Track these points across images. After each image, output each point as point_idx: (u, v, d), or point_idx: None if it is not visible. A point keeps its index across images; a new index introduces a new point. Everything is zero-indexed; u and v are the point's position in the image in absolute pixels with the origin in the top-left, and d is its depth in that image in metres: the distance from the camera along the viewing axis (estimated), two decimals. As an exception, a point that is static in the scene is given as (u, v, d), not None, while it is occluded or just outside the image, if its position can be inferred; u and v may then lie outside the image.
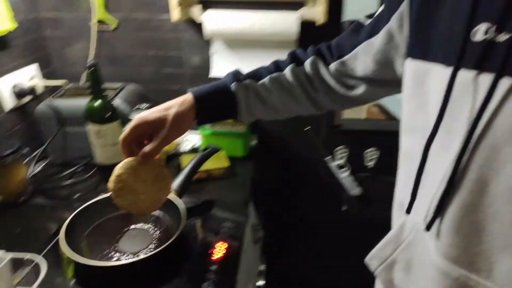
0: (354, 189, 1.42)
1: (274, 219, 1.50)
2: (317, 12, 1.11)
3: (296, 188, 1.49)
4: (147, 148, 0.64)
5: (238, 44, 1.21)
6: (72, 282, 0.70)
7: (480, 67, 0.42)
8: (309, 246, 1.58)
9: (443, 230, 0.47)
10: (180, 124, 0.65)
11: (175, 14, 1.12)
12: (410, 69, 0.53)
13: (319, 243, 1.58)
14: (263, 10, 1.13)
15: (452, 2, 0.46)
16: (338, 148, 1.38)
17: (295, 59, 0.72)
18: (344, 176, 1.40)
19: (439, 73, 0.46)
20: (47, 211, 0.99)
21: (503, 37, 0.40)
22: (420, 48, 0.51)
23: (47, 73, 1.26)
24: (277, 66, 0.72)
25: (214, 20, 1.13)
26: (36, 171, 1.12)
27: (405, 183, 0.55)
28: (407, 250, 0.55)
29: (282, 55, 1.23)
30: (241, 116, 0.71)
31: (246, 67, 1.20)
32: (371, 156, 1.38)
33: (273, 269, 1.40)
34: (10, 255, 0.61)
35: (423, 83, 0.50)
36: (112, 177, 0.66)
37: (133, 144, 0.66)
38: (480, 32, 0.42)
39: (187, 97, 0.67)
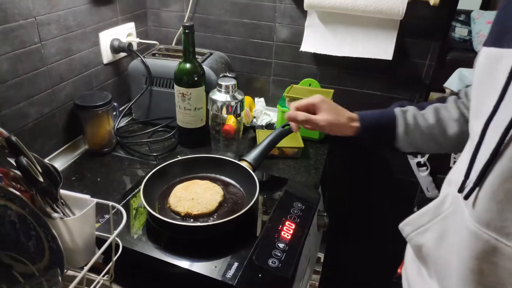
0: (431, 191, 1.32)
1: (340, 208, 1.45)
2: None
3: (368, 180, 1.42)
4: (300, 115, 0.79)
5: (335, 19, 1.15)
6: (145, 235, 0.73)
7: None
8: (370, 243, 1.51)
9: (480, 197, 0.50)
10: (336, 129, 0.79)
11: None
12: (483, 56, 0.54)
13: (380, 242, 1.50)
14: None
15: None
16: (422, 145, 1.28)
17: (457, 94, 0.77)
18: (423, 175, 1.30)
19: (510, 57, 0.48)
20: (126, 165, 1.04)
21: None
22: (495, 37, 0.53)
23: (141, 32, 1.31)
24: (441, 100, 0.78)
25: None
26: (121, 125, 1.18)
27: (462, 163, 0.56)
28: (444, 221, 0.57)
29: (379, 37, 1.15)
30: (399, 141, 0.77)
31: (339, 45, 1.16)
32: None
33: (330, 259, 1.37)
34: (95, 200, 0.64)
35: (494, 69, 0.51)
36: (171, 196, 0.80)
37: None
38: None
39: (356, 118, 0.78)
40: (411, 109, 0.77)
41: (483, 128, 0.51)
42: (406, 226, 0.65)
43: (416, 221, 0.63)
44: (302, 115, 0.79)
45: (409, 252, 0.70)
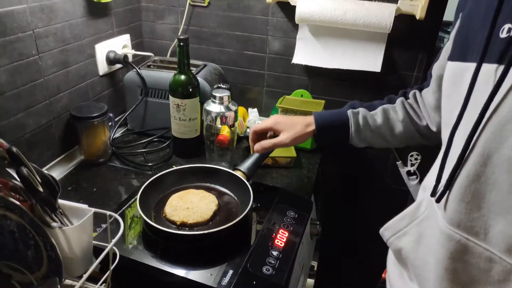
0: (421, 199, 1.34)
1: (332, 217, 1.47)
2: (417, 6, 1.06)
3: (360, 188, 1.44)
4: (265, 141, 0.87)
5: (326, 32, 1.18)
6: (141, 244, 0.75)
7: (499, 60, 0.49)
8: (363, 251, 1.54)
9: (450, 199, 0.53)
10: (298, 140, 0.86)
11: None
12: (449, 70, 0.59)
13: (373, 250, 1.52)
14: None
15: (484, 12, 0.54)
16: (411, 153, 1.31)
17: (405, 94, 0.85)
18: (413, 184, 1.33)
19: (472, 70, 0.52)
20: (121, 176, 1.05)
21: None
22: (458, 52, 0.58)
23: (136, 44, 1.33)
24: (390, 100, 0.86)
25: (307, 4, 1.12)
26: (116, 136, 1.20)
27: (434, 169, 0.60)
28: (421, 224, 0.60)
29: (368, 49, 1.19)
30: (352, 139, 0.85)
31: (329, 57, 1.19)
32: (446, 167, 1.29)
33: (324, 267, 1.38)
34: (93, 210, 0.66)
35: (460, 81, 0.55)
36: (166, 206, 0.82)
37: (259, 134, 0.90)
38: (504, 30, 0.49)
39: (311, 122, 0.85)
40: (361, 111, 0.84)
41: (449, 136, 0.55)
42: (386, 231, 0.68)
43: (395, 225, 0.66)
44: (268, 144, 0.87)
45: (390, 257, 0.73)
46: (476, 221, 0.50)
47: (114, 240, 0.64)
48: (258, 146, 0.88)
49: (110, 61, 1.17)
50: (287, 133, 0.86)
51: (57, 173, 1.02)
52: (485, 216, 0.50)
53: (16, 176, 0.59)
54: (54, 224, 0.61)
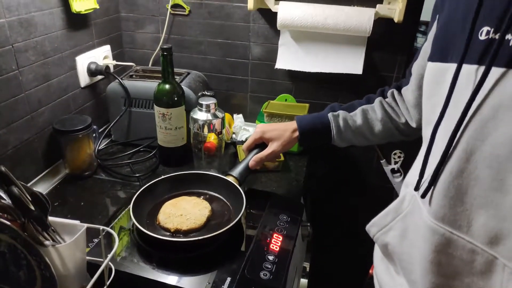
0: (406, 196, 1.37)
1: (321, 217, 1.49)
2: (394, 10, 1.09)
3: (346, 188, 1.47)
4: (259, 156, 0.89)
5: (308, 38, 1.20)
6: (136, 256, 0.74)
7: (479, 61, 0.51)
8: (353, 249, 1.56)
9: (434, 195, 0.55)
10: (288, 146, 0.89)
11: (251, 2, 1.13)
12: (430, 70, 0.61)
13: (363, 247, 1.55)
14: (338, 5, 1.14)
15: (462, 14, 0.56)
16: (395, 152, 1.34)
17: (383, 93, 0.88)
18: (397, 181, 1.36)
19: (453, 70, 0.54)
20: (108, 188, 1.03)
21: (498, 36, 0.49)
22: (439, 53, 0.60)
23: (117, 54, 1.32)
24: (369, 99, 0.89)
25: (288, 10, 1.14)
26: (101, 147, 1.18)
27: (417, 165, 0.63)
28: (405, 219, 0.63)
29: (349, 52, 1.22)
30: (335, 141, 0.88)
31: (312, 62, 1.21)
32: (428, 163, 1.33)
33: (316, 267, 1.39)
34: (85, 225, 0.64)
35: (441, 81, 0.57)
36: (160, 213, 0.82)
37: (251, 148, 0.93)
38: (483, 33, 0.51)
39: (296, 127, 0.88)
40: (341, 113, 0.88)
41: (432, 133, 0.57)
42: (372, 227, 0.70)
43: (380, 221, 0.68)
44: (265, 157, 0.90)
45: (377, 252, 0.75)
46: (459, 215, 0.53)
47: (109, 256, 0.63)
48: (253, 162, 0.90)
49: (92, 72, 1.16)
50: (277, 142, 0.88)
51: (42, 188, 1.00)
52: (468, 210, 0.52)
53: (3, 195, 0.58)
54: (47, 242, 0.60)
